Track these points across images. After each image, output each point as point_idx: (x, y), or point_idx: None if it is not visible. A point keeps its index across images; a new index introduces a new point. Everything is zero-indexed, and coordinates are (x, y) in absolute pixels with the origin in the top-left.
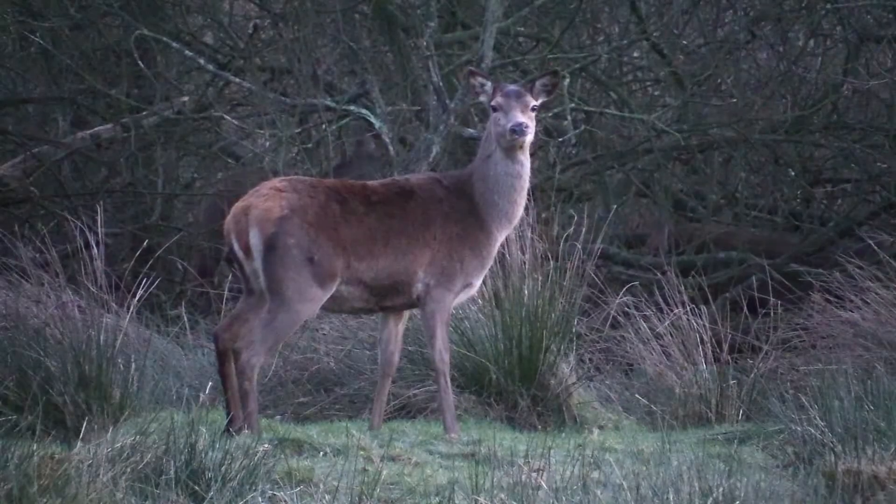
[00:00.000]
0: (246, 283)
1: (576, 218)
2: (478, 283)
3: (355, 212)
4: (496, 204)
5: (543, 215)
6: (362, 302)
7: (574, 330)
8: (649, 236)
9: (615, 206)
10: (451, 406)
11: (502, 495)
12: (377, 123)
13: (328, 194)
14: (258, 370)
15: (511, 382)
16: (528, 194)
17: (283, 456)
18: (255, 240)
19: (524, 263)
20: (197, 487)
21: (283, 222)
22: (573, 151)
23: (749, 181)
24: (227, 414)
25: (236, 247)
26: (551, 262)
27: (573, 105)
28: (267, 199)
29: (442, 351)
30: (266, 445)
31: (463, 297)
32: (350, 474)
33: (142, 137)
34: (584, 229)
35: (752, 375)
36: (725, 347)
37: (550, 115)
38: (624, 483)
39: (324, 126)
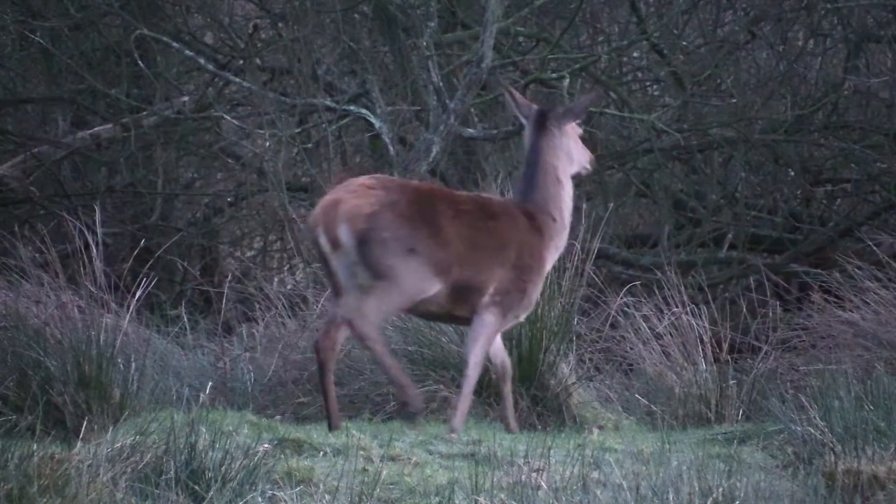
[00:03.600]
0: (333, 282)
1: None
2: (523, 316)
3: (445, 215)
4: (563, 231)
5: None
6: (438, 306)
7: (574, 330)
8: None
9: (611, 206)
10: (467, 410)
11: (502, 495)
12: (377, 123)
13: (417, 194)
14: (380, 335)
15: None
16: None
17: (283, 456)
18: (344, 235)
19: None
20: (197, 487)
21: (373, 218)
22: None
23: (749, 181)
24: (328, 417)
25: (323, 240)
26: None
27: None
28: (357, 196)
29: (478, 365)
30: (266, 445)
31: (507, 325)
32: (350, 474)
33: (142, 137)
34: (583, 228)
35: (752, 375)
36: (725, 347)
37: None
38: (624, 483)
39: (324, 126)
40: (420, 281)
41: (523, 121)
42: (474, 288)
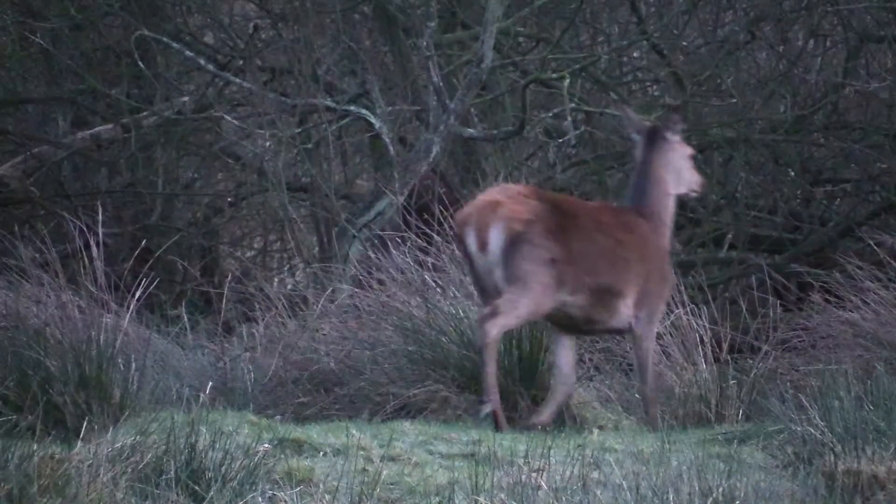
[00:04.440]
0: (478, 283)
1: None
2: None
3: (586, 228)
4: (669, 237)
5: None
6: (579, 309)
7: None
8: None
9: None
10: (656, 408)
11: (502, 495)
12: (377, 123)
13: (565, 206)
14: (494, 342)
15: (511, 382)
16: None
17: (283, 456)
18: (496, 235)
19: None
20: (197, 487)
21: (529, 224)
22: (573, 151)
23: (749, 181)
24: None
25: (472, 238)
26: None
27: (573, 105)
28: (515, 201)
29: (651, 384)
30: (266, 445)
31: (655, 326)
32: (350, 474)
33: (142, 137)
34: None
35: (752, 375)
36: (725, 347)
37: (550, 115)
38: (624, 483)
39: (324, 126)
40: (549, 291)
41: (635, 137)
42: (613, 292)
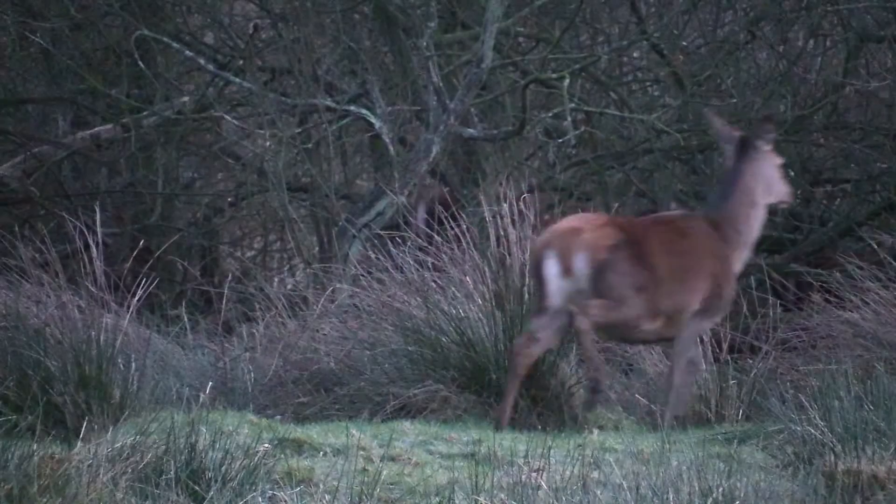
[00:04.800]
0: (541, 301)
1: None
2: (719, 318)
3: (655, 251)
4: (745, 248)
5: (546, 216)
6: (653, 332)
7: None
8: None
9: (616, 206)
10: (685, 401)
11: (502, 495)
12: (377, 123)
13: (637, 232)
14: (588, 331)
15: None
16: (535, 195)
17: (283, 456)
18: (581, 262)
19: (525, 263)
20: (197, 487)
21: (613, 250)
22: (573, 151)
23: None
24: (499, 417)
25: (552, 262)
26: None
27: (573, 105)
28: (595, 228)
29: (685, 363)
30: (266, 445)
31: (706, 328)
32: (350, 474)
33: (142, 137)
34: None
35: (752, 375)
36: (725, 347)
37: (550, 115)
38: (624, 483)
39: (324, 126)
40: (639, 316)
41: (724, 146)
42: (684, 310)
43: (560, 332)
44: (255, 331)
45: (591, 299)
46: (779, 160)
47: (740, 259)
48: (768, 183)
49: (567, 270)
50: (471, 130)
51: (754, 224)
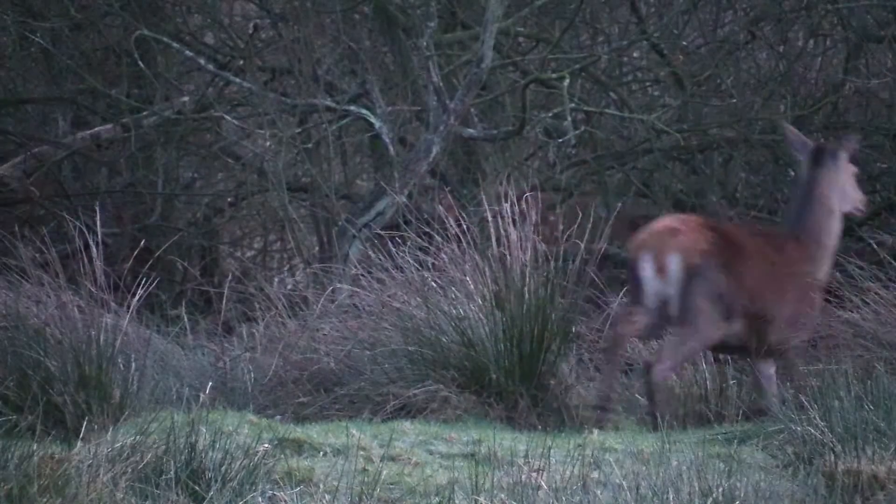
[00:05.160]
0: (635, 294)
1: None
2: None
3: (750, 258)
4: (826, 257)
5: (548, 217)
6: (736, 339)
7: (574, 330)
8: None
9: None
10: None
11: (502, 495)
12: (377, 123)
13: (733, 238)
14: (664, 385)
15: (511, 382)
16: (536, 195)
17: (283, 456)
18: (674, 265)
19: (525, 263)
20: (197, 487)
21: (706, 256)
22: (573, 151)
23: (749, 181)
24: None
25: (648, 263)
26: (552, 263)
27: (573, 105)
28: (693, 231)
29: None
30: (266, 445)
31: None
32: (350, 474)
33: (142, 137)
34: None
35: (752, 375)
36: None
37: (550, 115)
38: (624, 483)
39: (324, 126)
40: (715, 326)
41: (798, 155)
42: (769, 319)
43: (653, 329)
44: (255, 331)
45: (668, 353)
46: (853, 168)
47: (824, 271)
48: (843, 192)
49: (662, 270)
50: (471, 130)
51: (832, 235)
